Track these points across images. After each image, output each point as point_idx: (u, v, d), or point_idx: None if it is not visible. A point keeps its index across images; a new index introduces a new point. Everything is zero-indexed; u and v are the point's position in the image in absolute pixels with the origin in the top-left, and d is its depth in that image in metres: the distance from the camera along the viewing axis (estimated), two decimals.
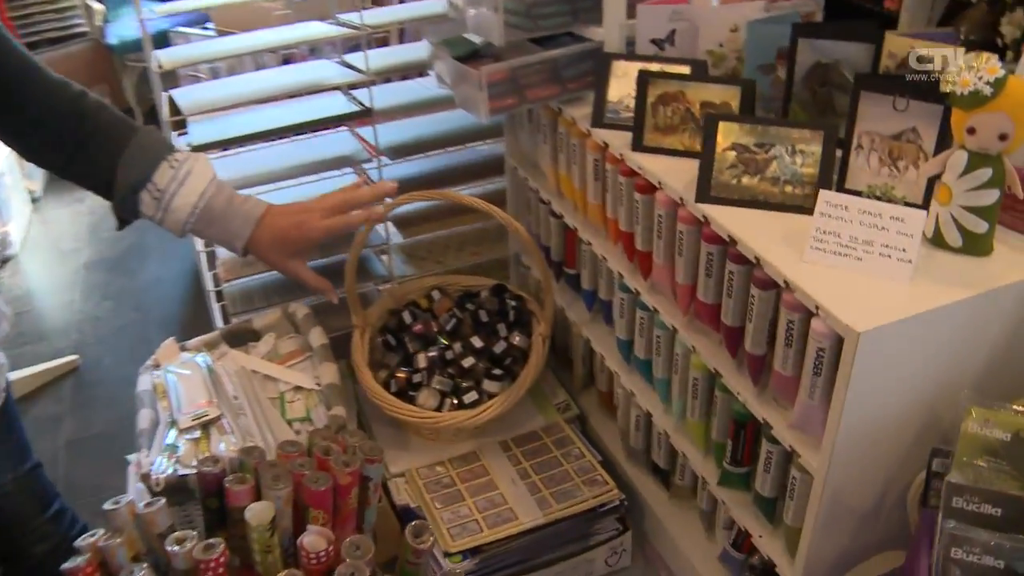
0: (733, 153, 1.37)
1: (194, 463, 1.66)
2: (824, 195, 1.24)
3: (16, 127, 1.30)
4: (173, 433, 1.72)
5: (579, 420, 2.00)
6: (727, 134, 1.37)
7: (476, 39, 1.84)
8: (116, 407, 2.94)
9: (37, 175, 4.46)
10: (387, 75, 2.07)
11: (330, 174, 2.13)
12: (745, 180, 1.36)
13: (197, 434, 1.72)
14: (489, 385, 1.82)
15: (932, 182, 1.30)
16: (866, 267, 1.21)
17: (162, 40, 3.72)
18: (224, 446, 1.68)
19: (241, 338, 1.99)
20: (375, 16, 2.00)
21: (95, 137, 1.33)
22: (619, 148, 1.56)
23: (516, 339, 1.92)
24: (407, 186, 1.91)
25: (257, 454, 1.43)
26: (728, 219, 1.32)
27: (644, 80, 1.52)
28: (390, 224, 2.19)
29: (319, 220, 1.46)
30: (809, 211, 1.32)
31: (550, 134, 1.82)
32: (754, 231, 1.29)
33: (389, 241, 2.21)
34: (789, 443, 1.30)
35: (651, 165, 1.49)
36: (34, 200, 4.40)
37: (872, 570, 1.37)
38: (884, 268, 1.20)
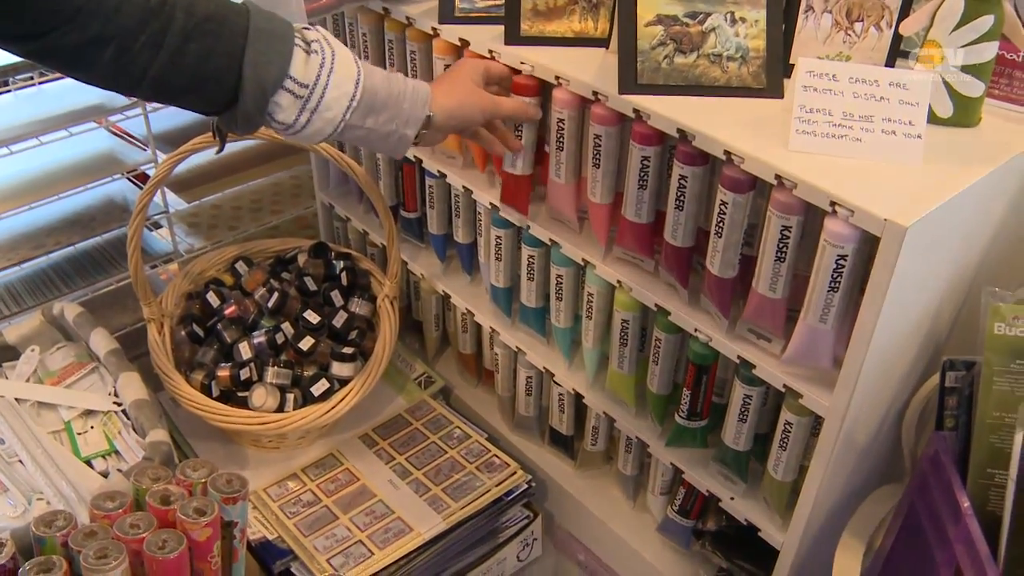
0: (659, 28, 1.06)
1: None
2: (806, 63, 0.97)
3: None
4: None
5: (442, 394, 1.65)
6: (648, 4, 1.06)
7: None
8: None
9: None
10: None
11: (79, 128, 1.63)
12: (679, 60, 1.06)
13: None
14: (339, 368, 1.44)
15: (896, 46, 1.07)
16: (868, 148, 0.95)
17: None
18: None
19: None
20: None
21: (203, 28, 0.87)
22: (486, 44, 1.22)
23: (357, 307, 1.54)
24: (184, 137, 1.48)
25: (63, 521, 0.99)
26: (670, 110, 1.02)
27: None
28: (166, 190, 1.72)
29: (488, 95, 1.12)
30: (762, 93, 1.06)
31: (373, 44, 1.44)
32: (710, 121, 1.00)
33: (168, 210, 1.74)
34: (782, 382, 1.02)
35: (538, 58, 1.16)
36: None
37: (872, 514, 1.14)
38: (890, 147, 0.95)
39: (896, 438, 1.14)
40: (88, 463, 1.29)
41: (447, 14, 1.28)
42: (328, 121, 0.95)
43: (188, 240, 1.82)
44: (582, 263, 1.24)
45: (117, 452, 1.31)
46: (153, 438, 1.24)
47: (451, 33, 1.27)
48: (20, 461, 1.29)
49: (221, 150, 1.04)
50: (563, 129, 1.16)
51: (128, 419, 1.34)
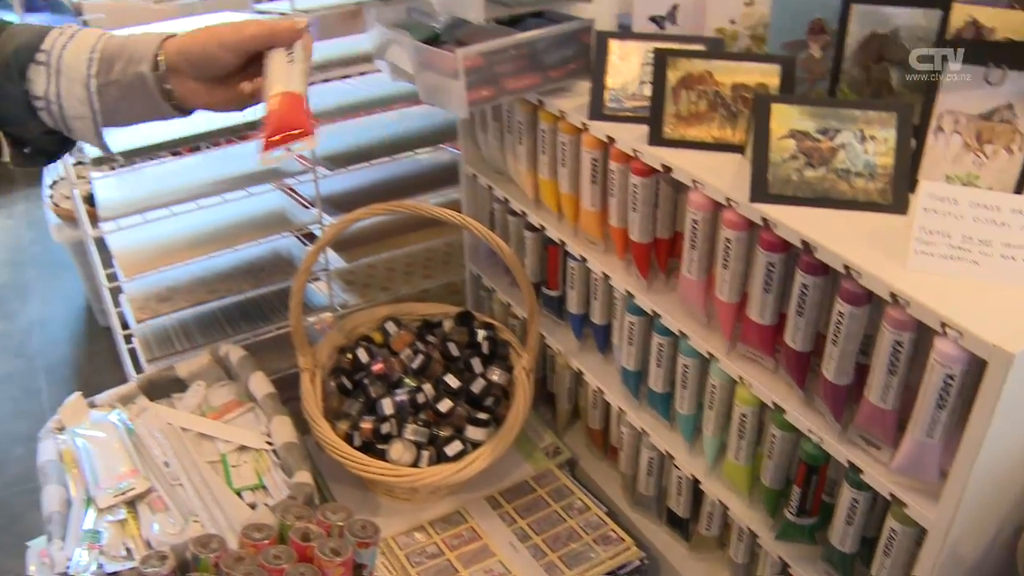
0: (792, 142, 1.13)
1: (123, 553, 1.34)
2: (928, 187, 1.01)
3: None
4: (91, 515, 1.39)
5: (568, 465, 1.72)
6: (782, 119, 1.13)
7: (435, 23, 1.57)
8: (3, 471, 2.54)
9: None
10: (327, 73, 1.76)
11: (257, 189, 1.81)
12: (809, 174, 1.12)
13: (122, 514, 1.40)
14: (473, 432, 1.54)
15: None
16: (985, 272, 0.98)
17: None
18: (159, 527, 1.37)
19: (163, 389, 1.66)
20: (308, 2, 1.70)
21: None
22: (630, 143, 1.31)
23: (495, 375, 1.64)
24: (348, 201, 1.63)
25: (216, 544, 1.12)
26: (796, 220, 1.08)
27: (662, 60, 1.27)
28: (327, 248, 1.88)
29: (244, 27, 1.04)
30: (887, 208, 1.10)
31: (527, 133, 1.56)
32: (833, 234, 1.05)
33: (328, 267, 1.90)
34: (888, 490, 1.06)
35: (678, 160, 1.24)
36: None
37: None
38: (1008, 272, 0.98)
39: (1011, 561, 1.14)
40: (238, 494, 1.43)
41: (596, 111, 1.38)
42: (74, 81, 1.00)
43: (344, 296, 1.97)
44: (707, 356, 1.30)
45: (264, 487, 1.44)
46: (299, 479, 1.36)
47: (599, 129, 1.36)
48: (181, 484, 1.44)
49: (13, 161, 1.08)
50: (696, 229, 1.23)
51: (278, 458, 1.48)
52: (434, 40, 1.52)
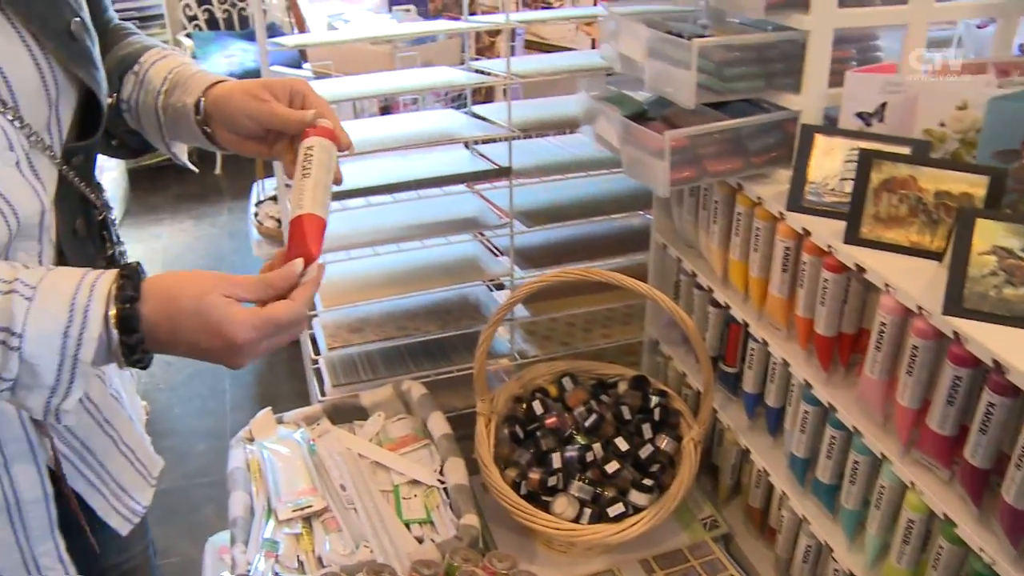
0: (993, 258, 1.13)
1: (296, 565, 1.44)
2: None
3: None
4: (271, 525, 1.51)
5: (724, 539, 1.74)
6: (986, 234, 1.14)
7: (642, 98, 1.63)
8: (186, 463, 2.76)
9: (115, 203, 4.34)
10: (530, 131, 1.86)
11: (455, 238, 1.92)
12: (1008, 292, 1.12)
13: (299, 528, 1.50)
14: (637, 497, 1.58)
15: None
16: None
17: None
18: (331, 546, 1.46)
19: (346, 414, 1.78)
20: (524, 65, 1.80)
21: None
22: (825, 238, 1.33)
23: (664, 443, 1.68)
24: (540, 255, 1.71)
25: (388, 574, 1.20)
26: (989, 338, 1.08)
27: (867, 160, 1.29)
28: None
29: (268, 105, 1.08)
30: None
31: (722, 213, 1.60)
32: None
33: (513, 316, 1.99)
34: None
35: (873, 262, 1.25)
36: None
37: None
38: None
39: None
40: (407, 526, 1.51)
41: (795, 202, 1.41)
42: (150, 92, 1.14)
43: (524, 345, 2.05)
44: (880, 456, 1.30)
45: (432, 523, 1.53)
46: (466, 521, 1.44)
47: (796, 220, 1.39)
48: (354, 508, 1.54)
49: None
50: (884, 332, 1.24)
51: (447, 497, 1.56)
52: (641, 116, 1.59)
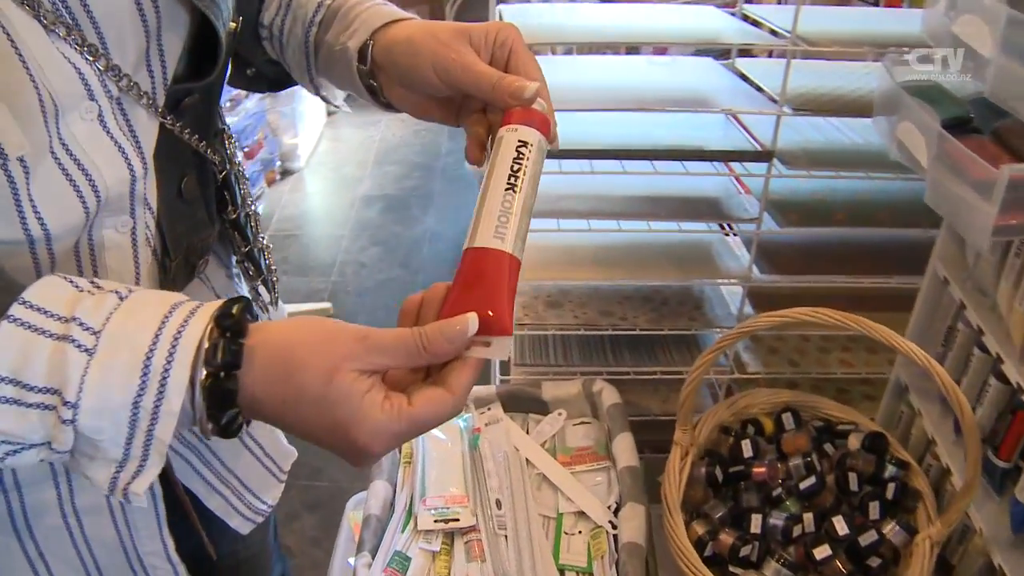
0: None
1: None
2: None
3: None
4: (406, 535, 1.29)
5: None
6: None
7: (961, 94, 1.26)
8: None
9: None
10: (807, 109, 1.49)
11: (689, 225, 1.60)
12: None
13: (437, 546, 1.28)
14: None
15: None
16: None
17: None
18: None
19: (522, 404, 1.54)
20: (815, 22, 1.42)
21: None
22: None
23: (892, 532, 1.34)
24: (786, 259, 1.38)
25: None
26: None
27: None
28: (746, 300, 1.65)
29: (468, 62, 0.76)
30: None
31: None
32: None
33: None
34: None
35: None
36: (329, 113, 4.18)
37: None
38: None
39: None
40: (561, 573, 1.27)
41: None
42: (300, 20, 0.89)
43: (745, 355, 1.74)
44: None
45: (591, 574, 1.27)
46: None
47: None
48: (505, 536, 1.29)
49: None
50: None
51: (615, 550, 1.29)
52: (962, 124, 1.22)
